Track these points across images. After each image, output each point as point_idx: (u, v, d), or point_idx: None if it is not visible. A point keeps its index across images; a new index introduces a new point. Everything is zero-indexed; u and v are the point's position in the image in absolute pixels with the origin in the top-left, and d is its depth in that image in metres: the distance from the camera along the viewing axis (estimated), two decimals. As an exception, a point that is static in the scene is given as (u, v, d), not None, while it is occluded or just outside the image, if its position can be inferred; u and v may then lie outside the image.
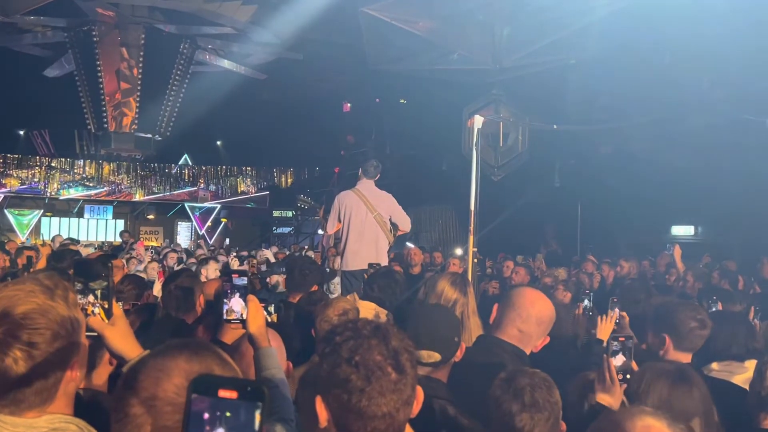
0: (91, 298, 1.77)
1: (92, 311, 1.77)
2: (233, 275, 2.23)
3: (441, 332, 2.54)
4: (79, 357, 1.53)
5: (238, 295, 2.21)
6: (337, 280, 7.14)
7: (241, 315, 2.19)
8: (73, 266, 1.88)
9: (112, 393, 1.38)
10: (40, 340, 1.43)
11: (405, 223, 6.80)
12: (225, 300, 2.21)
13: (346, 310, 3.52)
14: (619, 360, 2.44)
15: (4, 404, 1.43)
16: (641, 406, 2.09)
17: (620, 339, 2.46)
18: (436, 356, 2.46)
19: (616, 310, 3.83)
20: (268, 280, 7.09)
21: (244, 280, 2.23)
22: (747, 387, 2.84)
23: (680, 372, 2.38)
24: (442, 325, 2.59)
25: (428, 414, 1.86)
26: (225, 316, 2.21)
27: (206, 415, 0.96)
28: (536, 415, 2.14)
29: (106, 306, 1.79)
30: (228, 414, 0.96)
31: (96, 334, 1.77)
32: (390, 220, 6.69)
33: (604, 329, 3.71)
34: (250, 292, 2.76)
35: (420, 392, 1.60)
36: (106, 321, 1.80)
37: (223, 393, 0.97)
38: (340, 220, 6.72)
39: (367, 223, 6.58)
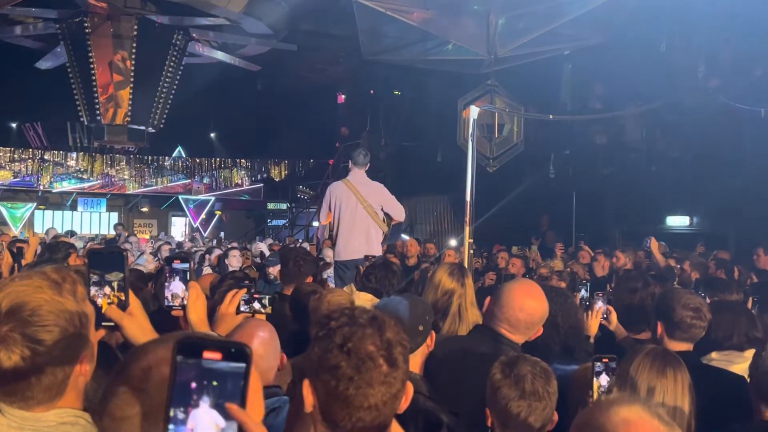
0: (107, 289, 1.77)
1: (107, 302, 1.77)
2: (174, 261, 2.22)
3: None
4: (88, 351, 1.52)
5: (178, 278, 2.19)
6: (330, 271, 7.09)
7: (182, 299, 2.18)
8: (87, 258, 1.86)
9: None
10: (48, 338, 1.41)
11: (398, 213, 6.71)
12: (166, 285, 2.20)
13: (341, 304, 3.48)
14: (603, 380, 2.41)
15: (13, 400, 1.42)
16: (626, 395, 2.06)
17: (604, 360, 2.40)
18: None
19: (600, 303, 3.76)
20: (270, 270, 6.99)
21: (185, 265, 2.22)
22: (746, 376, 2.82)
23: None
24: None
25: None
26: (168, 302, 2.19)
27: (193, 384, 0.99)
28: (534, 403, 2.17)
29: (123, 297, 1.79)
30: (215, 383, 0.99)
31: (113, 324, 1.78)
32: (382, 210, 6.62)
33: (591, 324, 3.67)
34: (247, 285, 2.75)
35: (410, 388, 1.58)
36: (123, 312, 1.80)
37: (208, 354, 1.00)
38: (331, 211, 6.68)
39: (357, 213, 6.52)
